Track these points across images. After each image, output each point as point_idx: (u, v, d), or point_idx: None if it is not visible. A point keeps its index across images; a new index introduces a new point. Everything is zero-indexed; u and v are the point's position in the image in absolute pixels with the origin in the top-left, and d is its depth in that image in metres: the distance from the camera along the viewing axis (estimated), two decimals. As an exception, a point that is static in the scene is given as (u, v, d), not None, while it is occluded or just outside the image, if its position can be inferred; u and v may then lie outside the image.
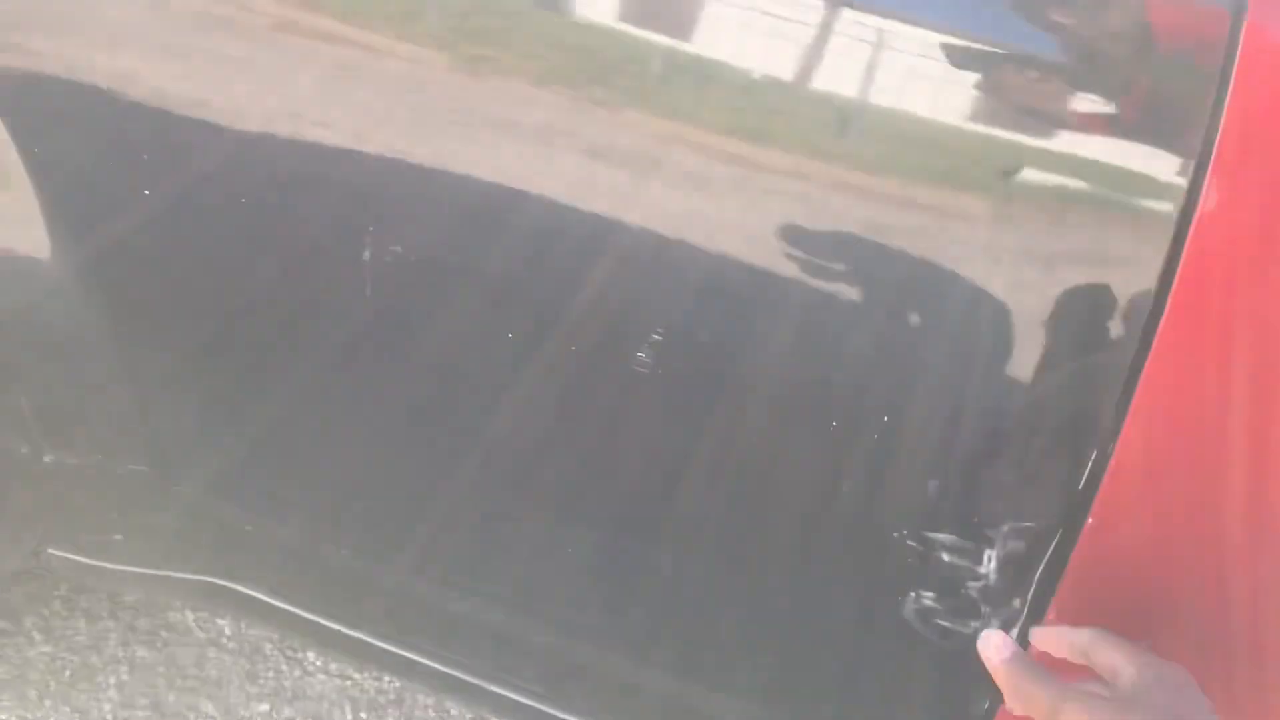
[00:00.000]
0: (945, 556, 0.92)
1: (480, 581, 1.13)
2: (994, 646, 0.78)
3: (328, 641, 1.25)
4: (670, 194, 0.86)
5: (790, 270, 0.86)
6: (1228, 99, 0.75)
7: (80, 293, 1.06)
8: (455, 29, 0.88)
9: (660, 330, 0.93)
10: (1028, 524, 0.89)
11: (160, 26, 0.95)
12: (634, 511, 1.03)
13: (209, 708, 1.49)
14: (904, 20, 0.79)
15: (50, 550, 1.24)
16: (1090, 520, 0.85)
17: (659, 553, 1.04)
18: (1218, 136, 0.76)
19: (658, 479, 1.01)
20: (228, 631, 1.60)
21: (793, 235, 0.85)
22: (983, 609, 0.93)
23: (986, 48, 0.79)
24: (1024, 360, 0.84)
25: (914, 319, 0.87)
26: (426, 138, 0.90)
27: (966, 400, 0.88)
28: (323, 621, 1.22)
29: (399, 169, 0.92)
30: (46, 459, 1.14)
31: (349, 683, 1.56)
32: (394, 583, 1.16)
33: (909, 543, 0.92)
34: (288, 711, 1.51)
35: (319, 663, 1.58)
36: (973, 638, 0.93)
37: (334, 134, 0.93)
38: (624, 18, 0.87)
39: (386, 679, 1.57)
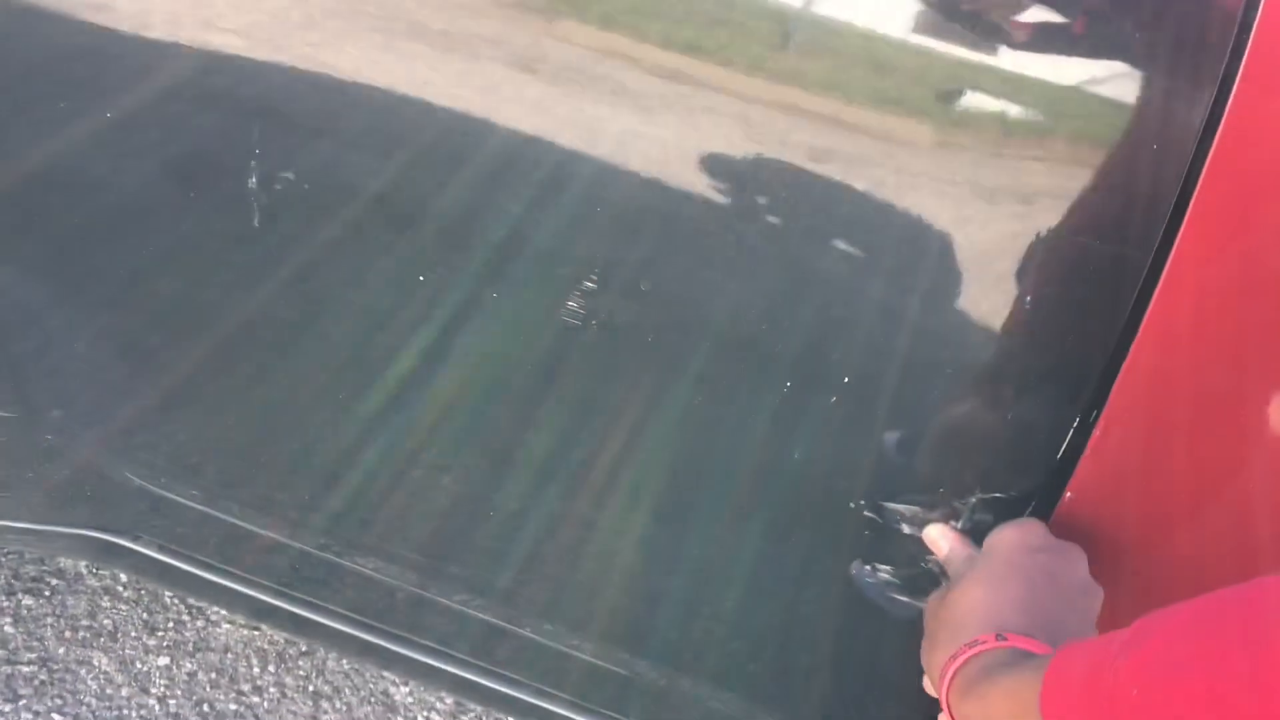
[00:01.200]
0: (905, 529, 0.83)
1: (379, 538, 1.03)
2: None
3: (224, 599, 1.15)
4: (603, 110, 0.79)
5: (730, 202, 0.79)
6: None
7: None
8: None
9: (593, 277, 0.83)
10: (998, 495, 0.80)
11: None
12: (553, 462, 0.95)
13: (102, 662, 1.39)
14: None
15: (-91, 503, 1.11)
16: (1068, 494, 0.77)
17: (578, 507, 0.95)
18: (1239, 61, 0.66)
19: (578, 428, 0.92)
20: (124, 579, 1.48)
21: (729, 161, 0.78)
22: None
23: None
24: (998, 322, 0.74)
25: (869, 270, 0.77)
26: (345, 46, 0.82)
27: (932, 360, 0.79)
28: (213, 578, 1.12)
29: (313, 81, 0.83)
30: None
31: (256, 633, 1.46)
32: (291, 536, 1.05)
33: (866, 514, 0.83)
34: (189, 665, 1.40)
35: (224, 611, 1.47)
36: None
37: (243, 41, 0.84)
38: None
39: (297, 629, 1.47)
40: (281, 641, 1.45)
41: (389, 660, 1.13)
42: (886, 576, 0.86)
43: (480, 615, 1.05)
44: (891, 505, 0.83)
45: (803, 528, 0.87)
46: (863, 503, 0.83)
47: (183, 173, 0.91)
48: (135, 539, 1.12)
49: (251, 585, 1.11)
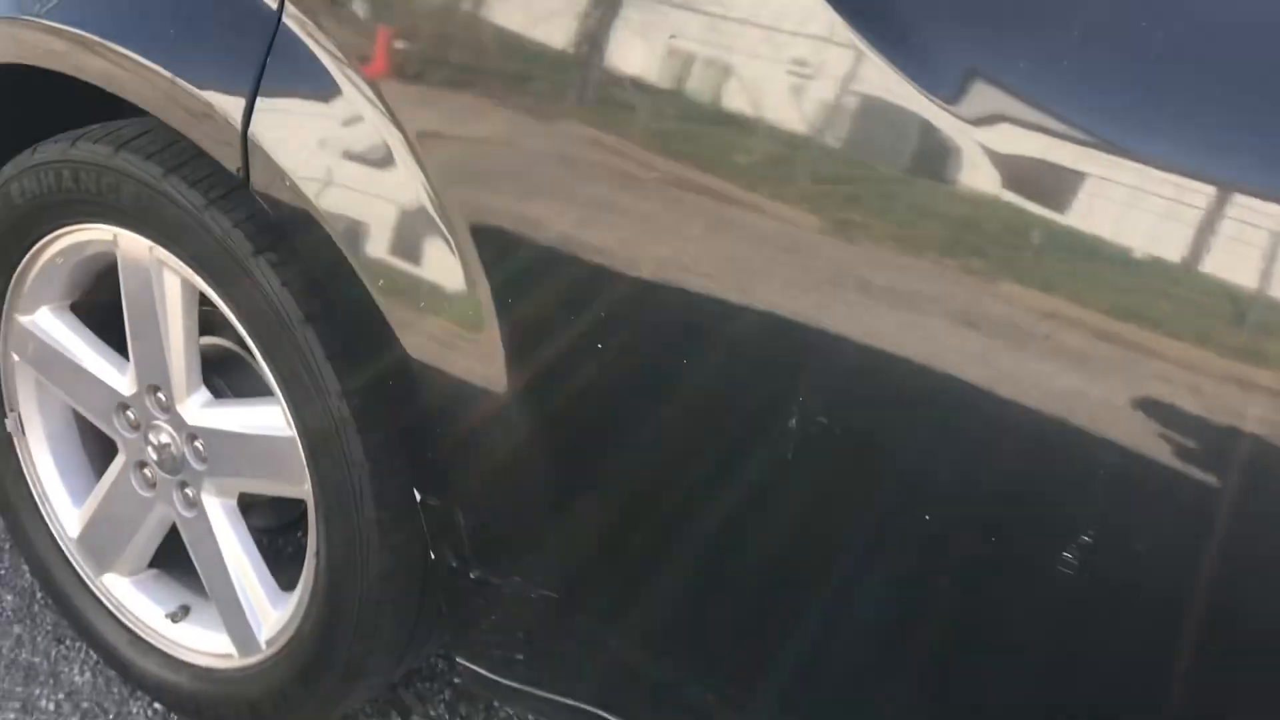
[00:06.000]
0: None
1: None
2: None
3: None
4: (1045, 367, 0.85)
5: (1180, 467, 0.82)
6: None
7: (526, 421, 1.15)
8: (826, 194, 0.92)
9: (1089, 534, 0.90)
10: None
11: (564, 176, 1.04)
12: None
13: (566, 833, 1.54)
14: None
15: (459, 660, 1.33)
16: None
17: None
18: None
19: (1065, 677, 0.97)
20: (589, 760, 1.65)
21: (1179, 424, 0.81)
22: None
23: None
24: None
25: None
26: (798, 293, 0.94)
27: None
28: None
29: (773, 323, 0.96)
30: (473, 575, 1.24)
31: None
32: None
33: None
34: None
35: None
36: None
37: (717, 285, 0.99)
38: (1000, 191, 0.86)
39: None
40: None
41: None
42: None
43: None
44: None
45: None
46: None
47: (678, 399, 1.06)
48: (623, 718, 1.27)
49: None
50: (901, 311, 0.90)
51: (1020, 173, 0.86)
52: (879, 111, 0.91)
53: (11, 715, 1.64)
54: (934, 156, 0.89)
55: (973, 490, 0.94)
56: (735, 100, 0.96)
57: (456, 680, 1.73)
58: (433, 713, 1.69)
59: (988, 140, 0.86)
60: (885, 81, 0.89)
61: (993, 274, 0.87)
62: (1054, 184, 0.85)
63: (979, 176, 0.87)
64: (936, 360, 0.90)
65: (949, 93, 0.88)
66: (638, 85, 1.00)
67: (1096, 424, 0.85)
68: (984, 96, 0.87)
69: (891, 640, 1.04)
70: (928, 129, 0.88)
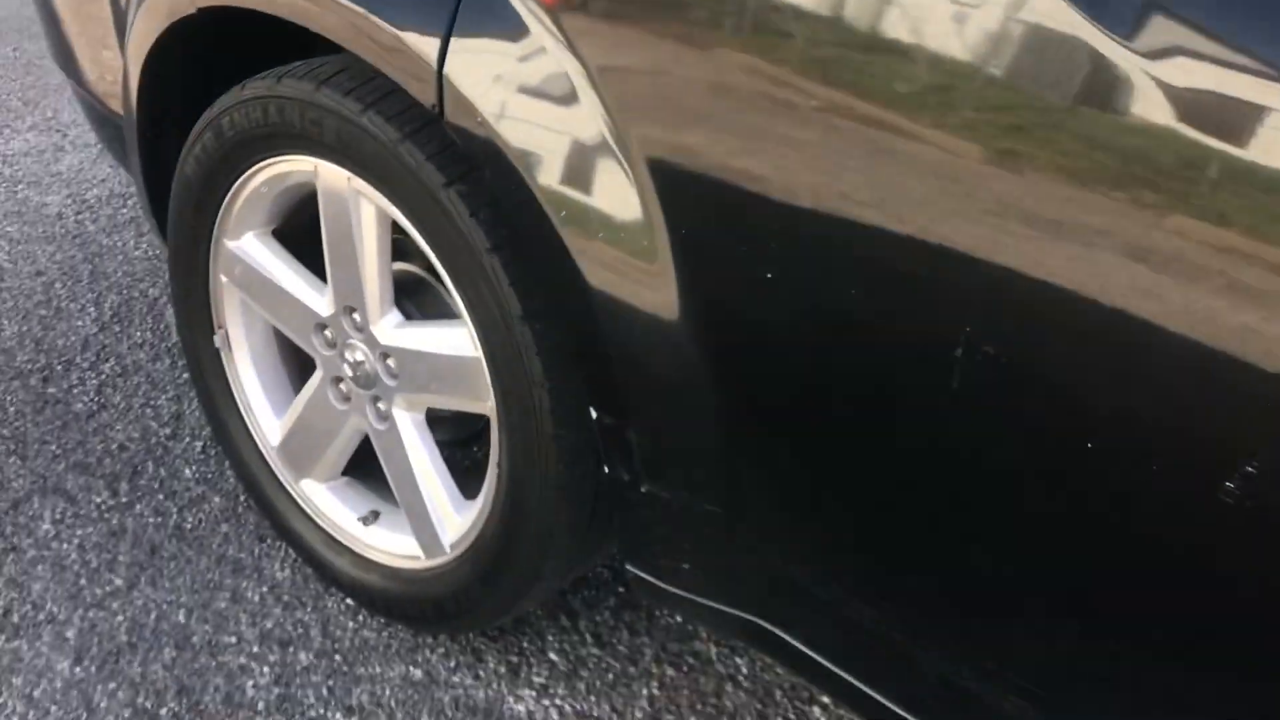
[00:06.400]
0: None
1: (1015, 672, 1.15)
2: None
3: (851, 698, 1.33)
4: (1218, 303, 0.85)
5: None
6: None
7: (696, 346, 1.21)
8: (989, 122, 0.93)
9: (1254, 463, 0.91)
10: None
11: (722, 106, 1.08)
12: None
13: (722, 736, 1.63)
14: None
15: (629, 567, 1.42)
16: None
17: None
18: None
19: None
20: (744, 670, 1.73)
21: None
22: None
23: None
24: None
25: None
26: (955, 222, 0.96)
27: None
28: (849, 678, 1.30)
29: (933, 253, 0.98)
30: (643, 488, 1.32)
31: (850, 744, 1.63)
32: (931, 659, 1.21)
33: None
34: (792, 757, 1.61)
35: (823, 718, 1.66)
36: None
37: (878, 215, 1.01)
38: (1174, 123, 0.86)
39: (887, 749, 1.62)
40: (872, 756, 1.61)
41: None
42: None
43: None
44: None
45: None
46: None
47: (841, 326, 1.11)
48: (789, 630, 1.34)
49: (879, 690, 1.28)
50: (1068, 245, 0.92)
51: (1194, 104, 0.86)
52: (1047, 41, 0.91)
53: (223, 603, 1.81)
54: (1103, 85, 0.89)
55: (1138, 423, 0.96)
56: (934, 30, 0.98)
57: (621, 589, 1.84)
58: (598, 618, 1.79)
59: (1159, 70, 0.86)
60: (1055, 10, 0.90)
61: (1165, 207, 0.87)
62: (1228, 115, 0.84)
63: (1152, 107, 0.87)
64: (1104, 296, 0.91)
65: (1118, 24, 0.88)
66: (835, 18, 1.02)
67: (1270, 361, 0.85)
68: (1158, 26, 0.87)
69: (1054, 567, 1.07)
70: (1098, 59, 0.89)
